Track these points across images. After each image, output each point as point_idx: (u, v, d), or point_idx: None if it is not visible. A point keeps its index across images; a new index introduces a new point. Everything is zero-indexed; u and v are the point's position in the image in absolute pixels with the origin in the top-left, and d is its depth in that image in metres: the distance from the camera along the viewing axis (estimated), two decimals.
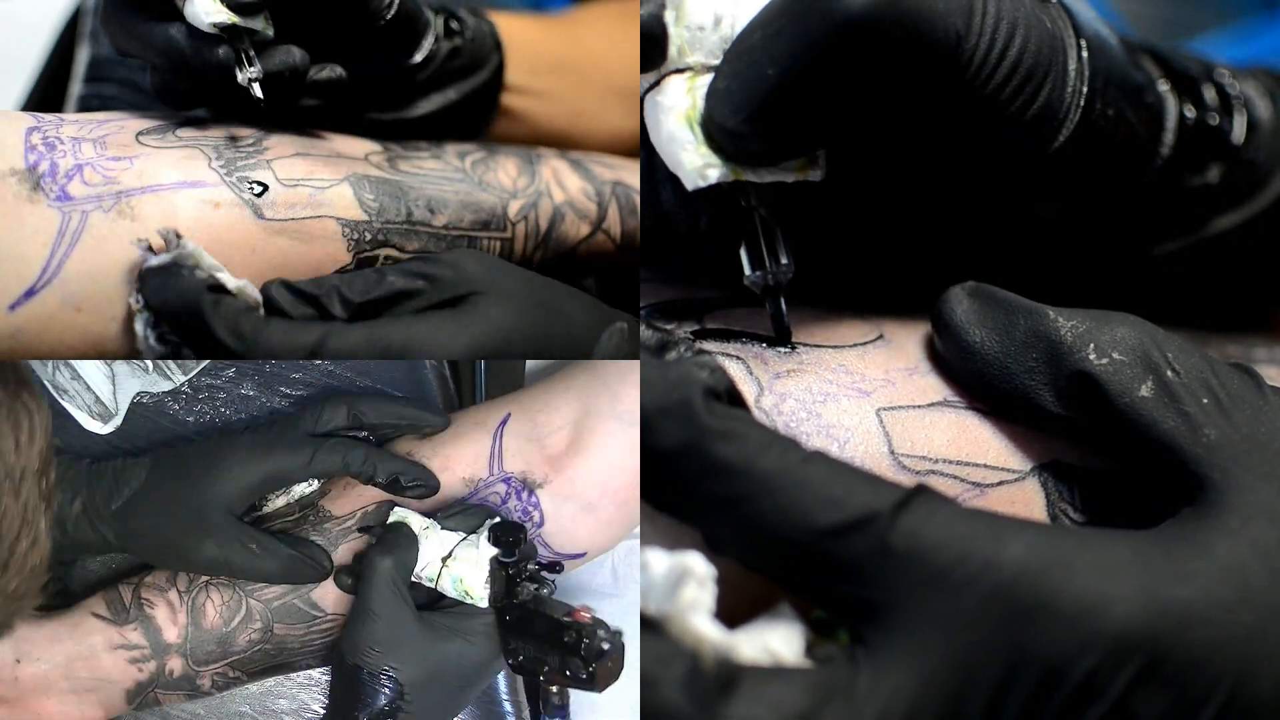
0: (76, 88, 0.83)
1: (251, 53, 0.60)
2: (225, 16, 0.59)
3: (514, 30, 0.73)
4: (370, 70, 0.66)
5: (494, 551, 0.64)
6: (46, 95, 0.86)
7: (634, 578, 0.81)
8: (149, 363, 0.74)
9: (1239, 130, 0.59)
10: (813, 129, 0.50)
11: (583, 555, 0.71)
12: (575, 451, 0.70)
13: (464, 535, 0.66)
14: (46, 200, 0.57)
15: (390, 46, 0.65)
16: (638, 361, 0.63)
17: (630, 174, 0.74)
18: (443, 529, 0.66)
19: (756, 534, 0.45)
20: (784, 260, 0.52)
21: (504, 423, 0.71)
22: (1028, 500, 0.51)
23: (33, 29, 0.95)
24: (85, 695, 0.65)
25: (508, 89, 0.72)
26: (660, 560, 0.44)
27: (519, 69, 0.72)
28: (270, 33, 0.61)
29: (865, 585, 0.44)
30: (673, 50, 0.51)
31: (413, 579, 0.66)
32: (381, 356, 0.57)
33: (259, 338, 0.56)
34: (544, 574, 0.65)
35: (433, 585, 0.66)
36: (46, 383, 0.71)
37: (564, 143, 0.75)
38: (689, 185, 0.51)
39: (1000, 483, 0.51)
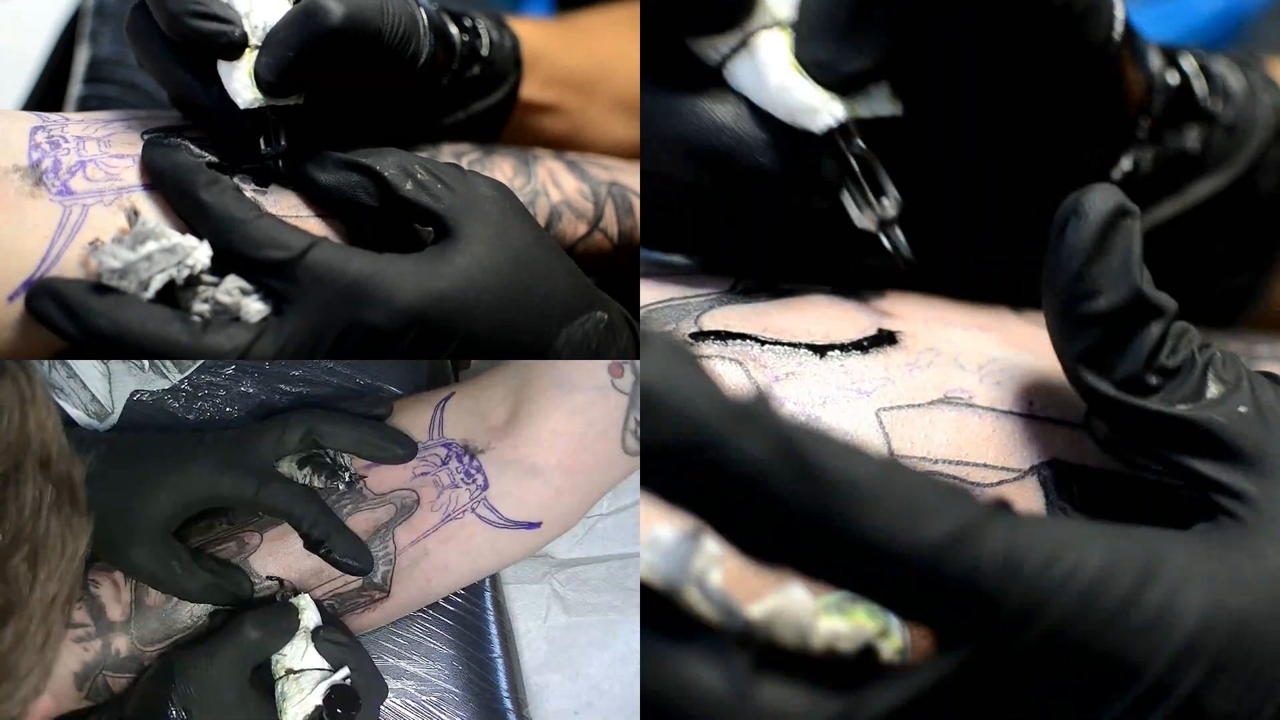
0: (76, 88, 0.83)
1: (280, 130, 0.60)
2: (260, 101, 0.59)
3: (536, 42, 0.73)
4: (395, 107, 0.66)
5: (320, 702, 0.63)
6: (47, 95, 0.86)
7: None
8: (145, 361, 0.74)
9: (1216, 98, 0.61)
10: (897, 30, 0.50)
11: (538, 526, 0.71)
12: (515, 419, 0.70)
13: (325, 667, 0.64)
14: (48, 195, 0.57)
15: (418, 85, 0.65)
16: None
17: (626, 175, 0.74)
18: (313, 644, 0.65)
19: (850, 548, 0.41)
20: (891, 194, 0.52)
21: (446, 399, 0.72)
22: (1027, 499, 0.51)
23: (33, 29, 0.95)
24: None
25: (519, 105, 0.72)
26: (668, 530, 0.42)
27: (533, 84, 0.73)
28: (301, 101, 0.60)
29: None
30: (765, 14, 0.52)
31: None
32: (329, 308, 0.56)
33: (198, 344, 0.55)
34: None
35: (273, 680, 0.64)
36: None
37: (563, 150, 0.75)
38: (817, 128, 0.52)
39: (999, 482, 0.51)
